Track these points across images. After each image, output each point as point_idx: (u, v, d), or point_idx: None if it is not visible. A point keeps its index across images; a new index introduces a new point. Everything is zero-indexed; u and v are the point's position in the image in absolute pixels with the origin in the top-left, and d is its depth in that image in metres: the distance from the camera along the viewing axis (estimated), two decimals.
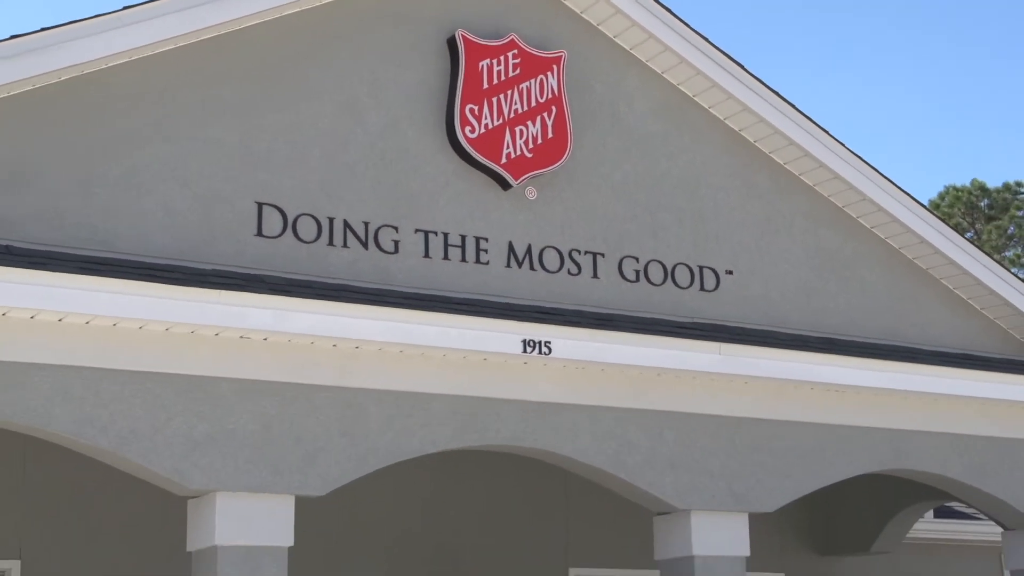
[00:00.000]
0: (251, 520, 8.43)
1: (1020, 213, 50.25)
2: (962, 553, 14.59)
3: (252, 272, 8.71)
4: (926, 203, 11.58)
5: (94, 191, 8.44)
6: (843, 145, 10.96)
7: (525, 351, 9.12)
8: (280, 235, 8.96)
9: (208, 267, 8.59)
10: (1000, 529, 11.96)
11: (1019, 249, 49.74)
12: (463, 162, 9.63)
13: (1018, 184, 50.59)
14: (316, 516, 9.44)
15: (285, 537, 8.52)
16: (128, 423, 8.15)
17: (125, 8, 8.50)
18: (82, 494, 10.42)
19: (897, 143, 72.64)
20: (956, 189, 50.06)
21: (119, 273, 8.04)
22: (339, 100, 9.33)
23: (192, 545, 8.63)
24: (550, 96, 9.94)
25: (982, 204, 49.74)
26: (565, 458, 9.65)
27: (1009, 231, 49.55)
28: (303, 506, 8.77)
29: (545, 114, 9.88)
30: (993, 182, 50.58)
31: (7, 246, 7.95)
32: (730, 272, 10.59)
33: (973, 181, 50.43)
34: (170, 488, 8.45)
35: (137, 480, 8.60)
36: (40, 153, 8.34)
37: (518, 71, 9.85)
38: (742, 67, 10.60)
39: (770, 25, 76.51)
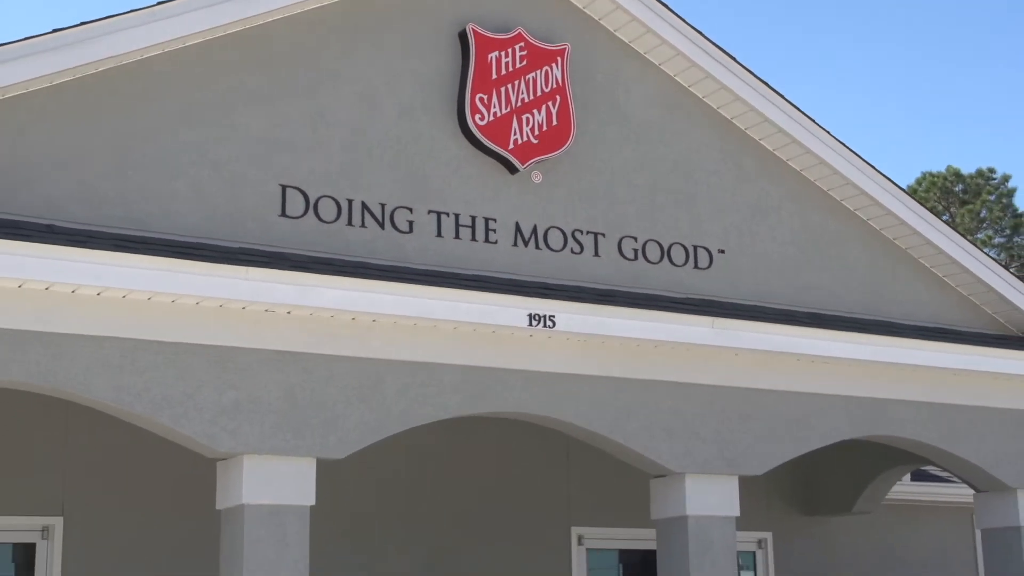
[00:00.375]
0: (275, 481, 8.47)
1: (991, 198, 50.19)
2: (937, 514, 14.61)
3: (276, 250, 8.73)
4: (904, 188, 11.53)
5: (129, 174, 8.44)
6: (828, 132, 10.95)
7: (530, 324, 9.14)
8: (302, 215, 8.95)
9: (235, 245, 8.60)
10: (972, 491, 11.98)
11: (990, 231, 49.70)
12: (473, 148, 9.62)
13: (990, 171, 50.53)
14: (336, 477, 9.46)
15: (307, 497, 8.55)
16: (161, 390, 8.19)
17: (159, 3, 8.48)
18: (120, 456, 10.46)
19: (877, 131, 72.47)
20: (932, 175, 50.00)
21: (153, 251, 8.07)
22: (357, 90, 9.32)
23: (221, 504, 8.67)
24: (554, 86, 9.92)
25: (956, 189, 49.71)
26: (567, 424, 9.67)
27: (981, 214, 49.51)
28: (324, 468, 8.80)
29: (550, 103, 9.87)
30: (967, 168, 50.57)
31: (50, 225, 7.99)
32: (722, 251, 10.58)
33: (948, 168, 50.41)
34: (201, 451, 8.48)
35: (170, 443, 8.64)
36: (79, 139, 8.34)
37: (525, 62, 9.83)
38: (734, 59, 10.58)
39: (760, 19, 76.27)
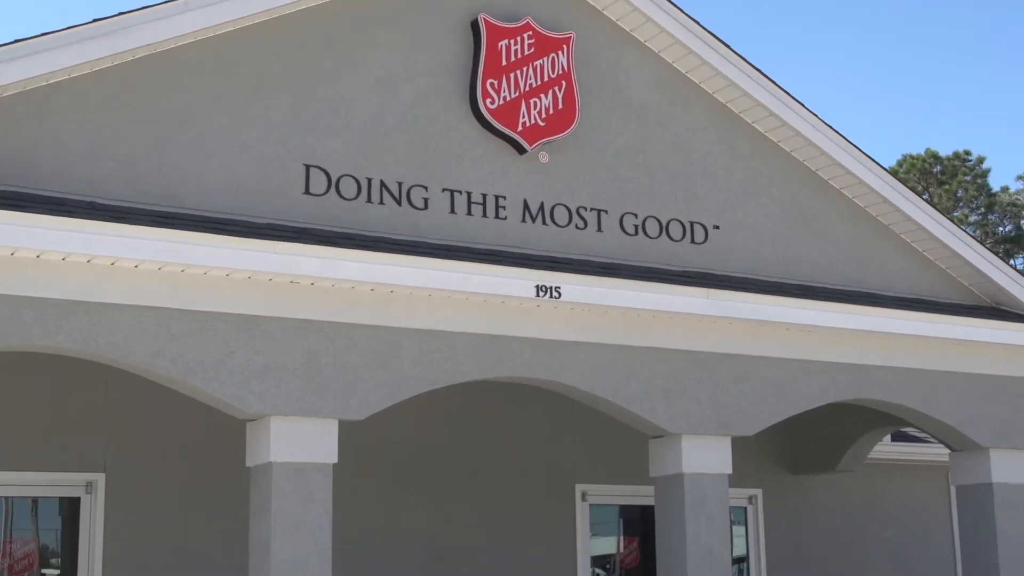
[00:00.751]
0: (300, 440, 8.49)
1: (967, 178, 50.11)
2: (915, 472, 14.62)
3: (301, 226, 8.72)
4: (887, 168, 11.49)
5: (164, 155, 8.44)
6: (816, 115, 10.91)
7: (538, 295, 9.13)
8: (325, 193, 8.94)
9: (263, 221, 8.60)
10: (948, 451, 11.98)
11: (966, 210, 49.62)
12: (484, 130, 9.58)
13: (966, 153, 50.46)
14: (357, 437, 9.48)
15: (330, 455, 8.58)
16: (195, 356, 8.20)
17: None
18: (156, 417, 10.48)
19: (861, 116, 72.24)
20: (912, 157, 49.93)
21: (187, 226, 8.08)
22: (377, 75, 9.29)
23: (251, 461, 8.70)
24: (560, 72, 9.88)
25: (935, 170, 49.63)
26: (572, 388, 9.68)
27: (958, 194, 49.46)
28: (345, 428, 8.82)
29: (556, 88, 9.83)
30: (944, 151, 50.50)
31: (91, 202, 8.00)
32: (717, 227, 10.55)
33: (927, 150, 50.35)
34: (231, 412, 8.50)
35: (203, 405, 8.66)
36: (118, 122, 8.34)
37: (532, 50, 9.79)
38: (728, 47, 10.54)
39: (751, 15, 75.95)
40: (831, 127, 10.97)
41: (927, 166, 49.58)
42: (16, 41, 7.86)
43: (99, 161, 8.21)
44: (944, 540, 14.54)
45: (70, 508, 10.35)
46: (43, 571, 10.42)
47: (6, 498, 10.20)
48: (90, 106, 8.26)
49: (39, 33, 7.95)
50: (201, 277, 8.22)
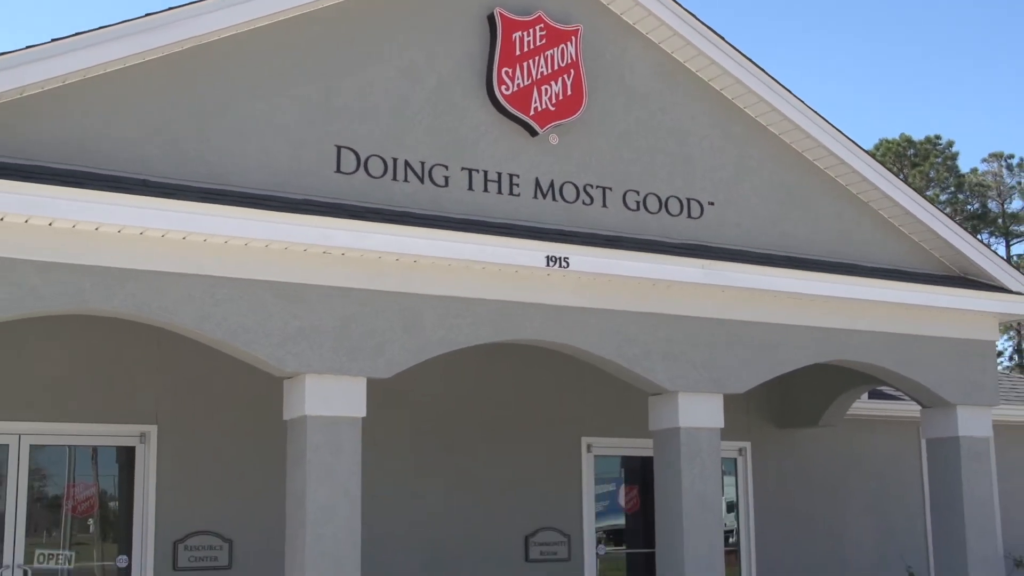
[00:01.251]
0: (332, 396, 8.50)
1: (938, 160, 49.93)
2: (890, 427, 14.59)
3: (333, 201, 8.69)
4: (867, 150, 11.42)
5: (208, 137, 8.41)
6: (802, 102, 10.81)
7: (548, 265, 9.11)
8: (354, 172, 8.90)
9: (298, 197, 8.58)
10: (919, 407, 11.95)
11: (937, 189, 49.41)
12: (499, 114, 9.51)
13: (936, 138, 50.25)
14: (383, 394, 9.50)
15: (359, 409, 8.59)
16: (237, 319, 8.21)
17: None
18: (203, 374, 10.50)
19: (842, 103, 71.88)
20: (888, 141, 49.72)
21: (229, 202, 8.09)
22: (401, 65, 9.23)
23: (287, 415, 8.71)
24: (569, 61, 9.80)
25: (909, 153, 49.44)
26: (578, 350, 9.66)
27: (929, 175, 49.26)
28: (373, 385, 8.82)
29: (565, 76, 9.75)
30: (917, 136, 50.32)
31: (143, 180, 8.00)
32: (711, 203, 10.48)
33: (901, 135, 50.13)
34: (270, 371, 8.51)
35: (244, 364, 8.66)
36: (167, 108, 8.30)
37: (544, 41, 9.71)
38: (723, 38, 10.44)
39: (738, 7, 75.46)
40: (816, 112, 10.88)
41: (902, 149, 49.36)
42: (77, 34, 7.85)
43: (149, 143, 8.19)
44: (915, 487, 14.53)
45: (126, 456, 10.40)
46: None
47: (69, 447, 10.26)
48: (141, 93, 8.23)
49: (98, 26, 7.96)
50: (242, 248, 8.22)
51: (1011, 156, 52.22)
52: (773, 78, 10.66)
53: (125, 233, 7.82)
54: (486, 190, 9.39)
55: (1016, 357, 50.34)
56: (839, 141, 10.99)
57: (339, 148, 8.85)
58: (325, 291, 8.52)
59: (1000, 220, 51.51)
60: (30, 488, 10.01)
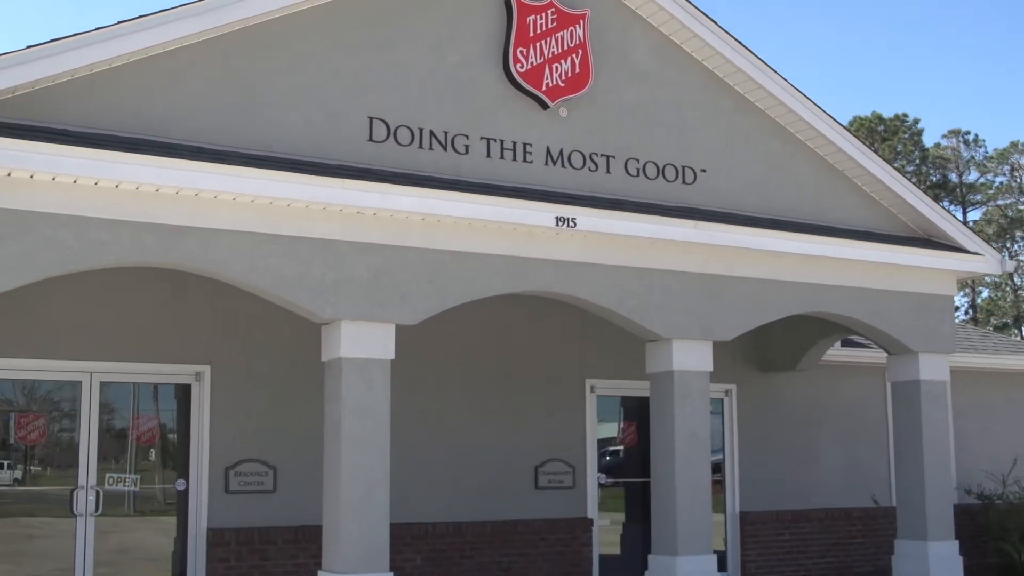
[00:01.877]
0: (365, 340, 8.49)
1: (905, 136, 49.61)
2: (859, 372, 14.54)
3: (365, 167, 8.65)
4: (843, 125, 11.29)
5: (255, 109, 8.35)
6: (785, 79, 10.68)
7: (557, 225, 9.06)
8: (385, 140, 8.83)
9: (335, 163, 8.53)
10: (885, 354, 11.90)
11: (903, 161, 49.07)
12: (514, 89, 9.41)
13: (904, 115, 49.89)
14: (409, 338, 9.49)
15: (388, 352, 8.58)
16: (280, 271, 8.19)
17: None
18: (251, 320, 10.49)
19: (821, 82, 71.22)
20: (861, 118, 49.34)
21: (274, 166, 8.05)
22: (428, 44, 9.13)
23: (325, 357, 8.70)
24: (577, 42, 9.68)
25: (879, 129, 49.07)
26: (583, 301, 9.62)
27: (897, 149, 48.93)
28: (401, 331, 8.80)
29: (573, 55, 9.64)
30: (887, 113, 49.97)
31: (198, 147, 7.98)
32: (704, 170, 10.38)
33: (873, 113, 49.75)
34: (310, 317, 8.49)
35: (287, 311, 8.65)
36: (218, 83, 8.25)
37: (555, 24, 9.58)
38: (714, 22, 10.30)
39: None
40: (798, 89, 10.75)
41: (873, 125, 48.96)
42: (140, 16, 7.81)
43: (203, 114, 8.13)
44: (880, 425, 14.50)
45: (183, 393, 10.43)
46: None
47: (134, 384, 10.29)
48: (196, 69, 8.16)
49: (159, 10, 7.90)
50: (285, 208, 8.19)
51: (968, 132, 52.15)
52: (760, 58, 10.52)
53: (182, 194, 7.80)
54: (502, 157, 9.31)
55: (971, 311, 50.26)
56: (818, 116, 10.87)
57: (371, 119, 8.78)
58: (358, 247, 8.48)
59: (958, 190, 51.35)
60: (100, 420, 10.06)
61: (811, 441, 13.99)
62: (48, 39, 7.54)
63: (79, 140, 7.44)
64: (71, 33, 7.65)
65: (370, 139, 8.75)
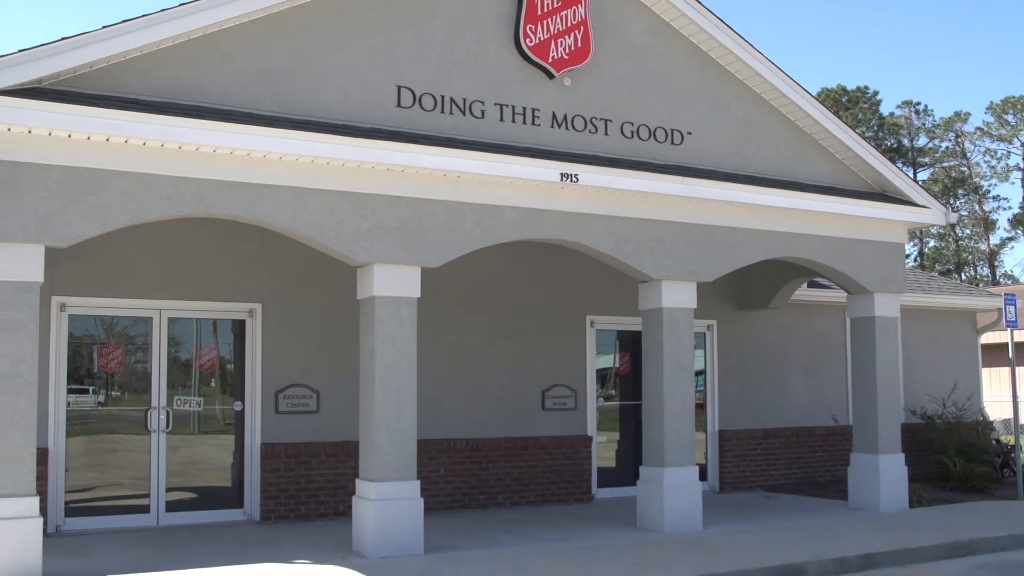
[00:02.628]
0: (394, 280, 8.45)
1: (866, 106, 49.09)
2: (823, 309, 14.48)
3: (394, 129, 8.53)
4: (813, 94, 11.08)
5: (298, 79, 8.23)
6: (762, 54, 10.46)
7: (562, 180, 8.96)
8: (411, 107, 8.70)
9: (367, 126, 8.42)
10: (845, 294, 11.82)
11: (863, 128, 48.57)
12: (524, 61, 9.24)
13: (865, 87, 49.36)
14: (433, 280, 9.43)
15: (415, 291, 8.54)
16: (320, 221, 8.13)
17: None
18: (296, 264, 10.45)
19: (794, 56, 70.18)
20: (828, 89, 48.79)
21: (314, 129, 7.97)
22: (448, 21, 8.95)
23: (360, 295, 8.66)
24: (579, 20, 9.48)
25: (843, 99, 48.50)
26: (584, 247, 9.53)
27: (858, 117, 48.43)
28: (426, 273, 8.75)
29: (576, 31, 9.45)
30: (850, 86, 49.39)
31: (249, 113, 7.91)
32: (690, 133, 10.22)
33: (838, 85, 49.21)
34: (347, 261, 8.44)
35: (327, 256, 8.61)
36: (267, 57, 8.12)
37: (559, 4, 9.37)
38: (700, 2, 10.07)
39: None
40: (774, 63, 10.54)
41: (838, 96, 48.40)
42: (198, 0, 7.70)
43: (253, 84, 8.02)
44: (839, 355, 14.47)
45: (239, 327, 10.43)
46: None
47: (196, 319, 10.28)
48: (247, 45, 8.03)
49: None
50: (324, 165, 8.10)
51: (919, 103, 51.72)
52: (740, 35, 10.30)
53: (235, 154, 7.72)
54: (513, 121, 9.17)
55: (919, 259, 50.12)
56: (790, 86, 10.67)
57: (399, 88, 8.65)
58: (388, 199, 8.40)
59: (910, 153, 50.97)
60: (168, 351, 10.07)
61: (781, 369, 13.97)
62: (120, 20, 7.48)
63: (148, 107, 7.40)
64: (139, 15, 7.58)
65: (398, 105, 8.63)
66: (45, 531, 7.95)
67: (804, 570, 8.03)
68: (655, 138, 9.99)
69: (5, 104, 6.92)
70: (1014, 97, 50.35)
